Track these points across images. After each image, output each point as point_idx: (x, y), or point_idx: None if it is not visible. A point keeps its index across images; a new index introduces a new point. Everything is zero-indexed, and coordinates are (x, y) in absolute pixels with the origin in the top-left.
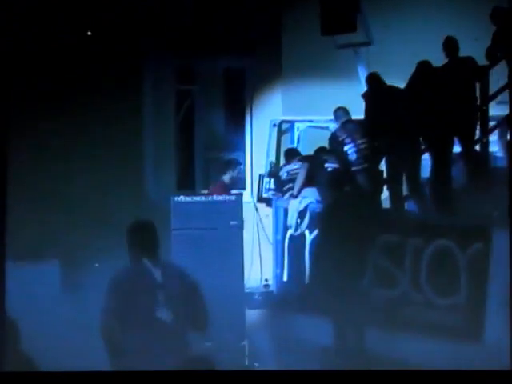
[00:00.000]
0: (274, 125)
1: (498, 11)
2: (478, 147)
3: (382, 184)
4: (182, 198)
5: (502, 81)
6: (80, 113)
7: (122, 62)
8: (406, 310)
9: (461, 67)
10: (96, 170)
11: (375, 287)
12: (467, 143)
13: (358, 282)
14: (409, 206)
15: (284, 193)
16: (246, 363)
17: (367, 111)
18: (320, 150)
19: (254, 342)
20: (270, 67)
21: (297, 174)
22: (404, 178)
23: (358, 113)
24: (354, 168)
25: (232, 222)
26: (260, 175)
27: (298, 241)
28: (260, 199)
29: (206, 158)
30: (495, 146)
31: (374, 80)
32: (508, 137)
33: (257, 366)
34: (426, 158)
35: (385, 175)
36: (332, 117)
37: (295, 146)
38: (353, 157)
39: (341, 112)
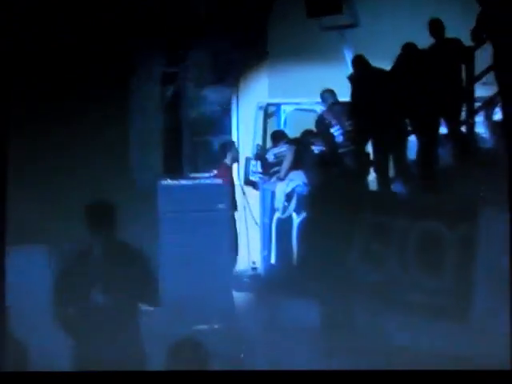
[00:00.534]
0: (261, 107)
1: None
2: (463, 128)
3: (369, 166)
4: (168, 181)
5: (488, 62)
6: (65, 97)
7: (108, 46)
8: (393, 291)
9: (446, 48)
10: (83, 153)
11: (362, 268)
12: (453, 124)
13: (345, 263)
14: (396, 187)
15: (271, 175)
16: (234, 346)
17: (354, 93)
18: (307, 133)
19: (241, 324)
20: (256, 50)
21: (284, 156)
22: (391, 160)
23: (345, 95)
24: (340, 150)
25: (219, 205)
26: (247, 158)
27: (285, 223)
28: (247, 182)
29: (193, 142)
30: (481, 127)
31: (359, 62)
32: (493, 118)
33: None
34: (413, 139)
35: (372, 157)
36: (318, 99)
37: (282, 128)
38: (339, 139)
39: (327, 94)
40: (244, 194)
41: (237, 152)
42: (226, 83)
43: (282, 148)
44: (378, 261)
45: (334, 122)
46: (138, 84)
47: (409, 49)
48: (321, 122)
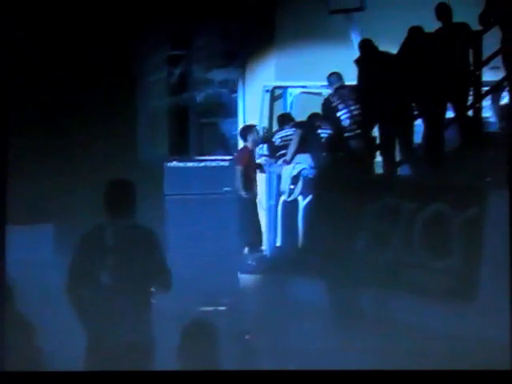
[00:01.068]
0: (267, 90)
1: None
2: (471, 112)
3: (376, 149)
4: (174, 163)
5: (495, 46)
6: (72, 78)
7: (114, 29)
8: (400, 272)
9: (454, 33)
10: (89, 134)
11: (369, 250)
12: (460, 108)
13: (352, 245)
14: (402, 170)
15: (277, 159)
16: (241, 328)
17: (360, 77)
18: (313, 116)
19: (247, 306)
20: (262, 32)
21: (290, 140)
22: (397, 144)
23: (352, 79)
24: (347, 134)
25: (225, 188)
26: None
27: (291, 206)
28: None
29: (200, 124)
30: (488, 112)
31: (366, 46)
32: (501, 102)
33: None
34: (420, 123)
35: (378, 141)
36: (325, 82)
37: (288, 111)
38: (346, 123)
39: (334, 77)
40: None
41: (258, 135)
42: (233, 66)
43: (289, 131)
44: (384, 242)
45: (340, 105)
46: (145, 67)
47: (414, 32)
48: (327, 105)
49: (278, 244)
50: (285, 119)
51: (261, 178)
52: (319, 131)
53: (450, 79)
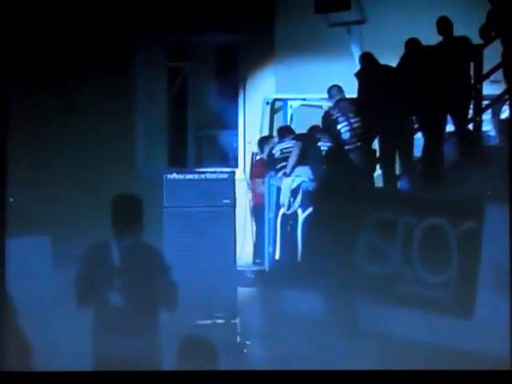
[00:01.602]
0: (267, 103)
1: None
2: (471, 126)
3: (375, 162)
4: (174, 175)
5: (496, 60)
6: (72, 90)
7: (114, 40)
8: (396, 287)
9: (454, 46)
10: (88, 146)
11: (367, 264)
12: (460, 122)
13: (350, 258)
14: (401, 184)
15: (277, 171)
16: (238, 340)
17: (360, 90)
18: (313, 129)
19: (245, 319)
20: (263, 44)
21: (290, 152)
22: (397, 157)
23: (352, 91)
24: (347, 147)
25: (224, 201)
26: (253, 153)
27: (290, 219)
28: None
29: (199, 136)
30: (488, 125)
31: (367, 59)
32: (501, 116)
33: (248, 344)
34: (419, 137)
35: (378, 154)
36: (325, 95)
37: (288, 124)
38: (346, 135)
39: (335, 90)
40: (249, 189)
41: (273, 147)
42: (233, 78)
43: (289, 143)
44: (382, 256)
45: (340, 118)
46: (144, 78)
47: (412, 44)
48: (327, 117)
49: (277, 257)
50: (285, 131)
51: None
52: (319, 144)
53: (450, 92)
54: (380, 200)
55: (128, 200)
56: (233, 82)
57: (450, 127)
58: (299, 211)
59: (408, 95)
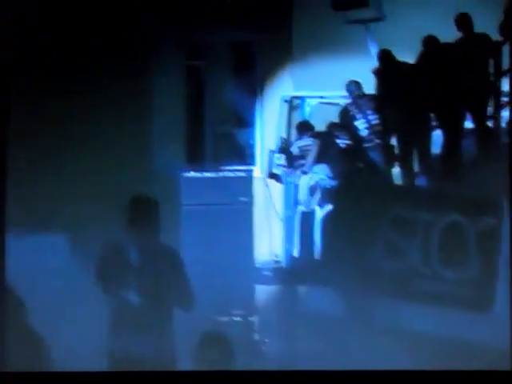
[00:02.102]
0: (285, 101)
1: None
2: (490, 123)
3: (394, 159)
4: (191, 173)
5: None
6: (89, 88)
7: (131, 38)
8: (415, 283)
9: (474, 43)
10: (105, 143)
11: (385, 261)
12: (479, 119)
13: (369, 256)
14: (420, 181)
15: (295, 169)
16: (256, 338)
17: (378, 87)
18: (332, 126)
19: (263, 317)
20: (280, 42)
21: (308, 150)
22: (415, 154)
23: (369, 89)
24: (365, 144)
25: (242, 198)
26: (270, 151)
27: (308, 217)
28: (270, 175)
29: (216, 134)
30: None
31: (385, 56)
32: None
33: (266, 342)
34: (438, 133)
35: (396, 151)
36: (343, 93)
37: (307, 119)
38: (364, 132)
39: (353, 86)
40: (267, 186)
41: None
42: (251, 76)
43: (308, 141)
44: (400, 253)
45: (358, 114)
46: (161, 77)
47: (429, 42)
48: (345, 114)
49: (295, 254)
50: (304, 127)
51: (277, 188)
52: (338, 141)
53: (469, 89)
54: (398, 197)
55: (145, 199)
56: (250, 79)
57: (469, 124)
58: (317, 209)
59: (426, 92)
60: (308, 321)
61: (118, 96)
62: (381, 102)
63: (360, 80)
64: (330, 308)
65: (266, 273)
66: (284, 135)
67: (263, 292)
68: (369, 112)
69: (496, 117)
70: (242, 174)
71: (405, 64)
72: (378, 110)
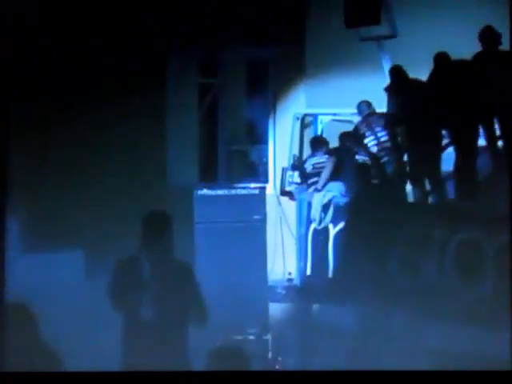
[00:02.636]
0: (298, 118)
1: None
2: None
3: (405, 176)
4: (204, 190)
5: None
6: (104, 106)
7: (145, 55)
8: (430, 300)
9: (493, 58)
10: (119, 160)
11: (400, 278)
12: (492, 135)
13: (383, 273)
14: (433, 197)
15: (308, 186)
16: (270, 356)
17: (389, 104)
18: (344, 135)
19: (277, 334)
20: (293, 60)
21: (322, 167)
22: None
23: (383, 106)
24: (376, 161)
25: (255, 216)
26: (283, 168)
27: (321, 234)
28: (283, 192)
29: (229, 151)
30: None
31: (396, 72)
32: None
33: (280, 360)
34: (451, 151)
35: (408, 168)
36: (355, 110)
37: (320, 134)
38: (373, 149)
39: (364, 106)
40: (280, 204)
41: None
42: (263, 93)
43: (321, 158)
44: (416, 270)
45: (367, 132)
46: (175, 94)
47: (440, 58)
48: (355, 132)
49: (309, 272)
50: (317, 143)
51: (290, 206)
52: (351, 158)
53: (481, 106)
54: (413, 214)
55: (159, 215)
56: (263, 97)
57: (482, 141)
58: (330, 226)
59: (437, 109)
60: (322, 338)
61: (131, 113)
62: (390, 118)
63: (373, 97)
64: (345, 325)
65: (279, 291)
66: (297, 152)
67: (277, 310)
68: (378, 129)
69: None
70: (255, 192)
71: (416, 80)
72: (387, 127)
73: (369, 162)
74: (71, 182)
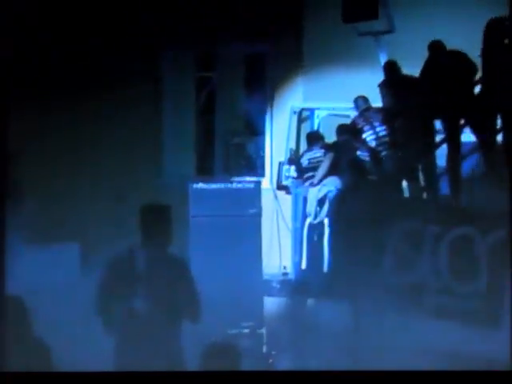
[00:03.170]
0: (295, 112)
1: None
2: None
3: (403, 171)
4: (200, 184)
5: None
6: (101, 99)
7: (143, 50)
8: (424, 296)
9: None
10: (115, 154)
11: (395, 273)
12: (486, 130)
13: (378, 268)
14: (428, 193)
15: (304, 180)
16: (264, 350)
17: (384, 99)
18: (342, 128)
19: (272, 329)
20: (291, 54)
21: (318, 162)
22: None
23: (380, 101)
24: (374, 156)
25: (251, 210)
26: (280, 162)
27: (316, 229)
28: (279, 187)
29: (226, 144)
30: None
31: (390, 67)
32: None
33: (274, 354)
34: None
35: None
36: (352, 105)
37: (316, 130)
38: (372, 144)
39: (361, 101)
40: (276, 198)
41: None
42: (261, 87)
43: (317, 153)
44: (410, 265)
45: (365, 127)
46: (172, 87)
47: (435, 47)
48: (353, 127)
49: (304, 267)
50: (313, 138)
51: (286, 200)
52: (348, 153)
53: (475, 100)
54: (407, 209)
55: (156, 210)
56: (260, 91)
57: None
58: (326, 221)
59: (431, 101)
60: (317, 333)
61: (127, 107)
62: (387, 113)
63: (370, 92)
64: (339, 320)
65: (274, 285)
66: (293, 147)
67: (272, 304)
68: (376, 124)
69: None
70: (251, 186)
71: (410, 75)
72: (385, 122)
73: (367, 158)
74: (66, 175)
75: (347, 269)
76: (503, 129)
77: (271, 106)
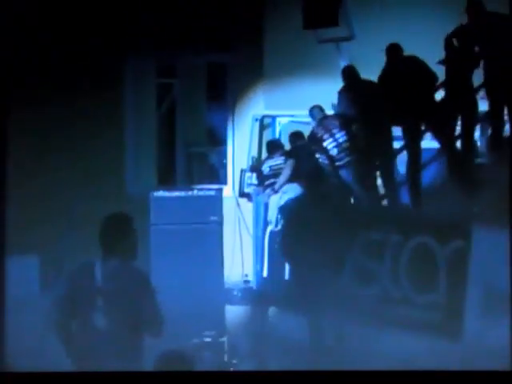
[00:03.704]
0: (256, 119)
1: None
2: (458, 143)
3: (364, 177)
4: (161, 192)
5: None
6: (60, 107)
7: (103, 57)
8: (385, 307)
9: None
10: (76, 163)
11: (354, 284)
12: (446, 138)
13: (338, 278)
14: (388, 202)
15: (265, 187)
16: (225, 359)
17: (341, 105)
18: (294, 135)
19: (233, 338)
20: (252, 61)
21: (279, 169)
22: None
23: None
24: (336, 163)
25: (212, 218)
26: (242, 170)
27: (277, 236)
28: (241, 194)
29: (188, 153)
30: (477, 142)
31: (348, 72)
32: (489, 132)
33: (235, 363)
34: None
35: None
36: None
37: (277, 138)
38: (334, 152)
39: (316, 110)
40: (238, 205)
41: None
42: (222, 95)
43: (278, 160)
44: (370, 276)
45: (325, 135)
46: (133, 95)
47: (392, 50)
48: (313, 137)
49: (265, 275)
50: (274, 146)
51: (248, 208)
52: (309, 161)
53: (436, 106)
54: (368, 219)
55: (115, 220)
56: (222, 98)
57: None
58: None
59: (388, 108)
60: (277, 343)
61: (87, 115)
62: (344, 119)
63: (331, 99)
64: (299, 330)
65: (235, 293)
66: (255, 154)
67: (233, 312)
68: (335, 131)
69: (467, 135)
70: (212, 193)
71: (369, 80)
72: (343, 127)
73: (327, 166)
74: (27, 185)
75: (307, 279)
76: (462, 134)
77: (233, 114)
